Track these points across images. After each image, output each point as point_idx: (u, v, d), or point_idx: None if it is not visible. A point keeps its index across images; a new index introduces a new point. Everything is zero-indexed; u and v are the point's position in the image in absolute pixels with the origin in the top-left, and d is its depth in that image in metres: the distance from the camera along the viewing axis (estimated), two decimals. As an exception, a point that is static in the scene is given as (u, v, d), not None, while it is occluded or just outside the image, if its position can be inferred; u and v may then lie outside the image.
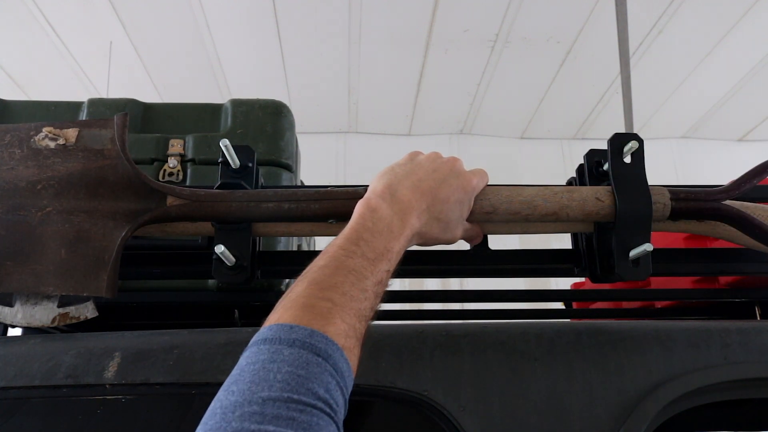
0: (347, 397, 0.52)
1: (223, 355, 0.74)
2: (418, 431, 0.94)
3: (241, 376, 0.49)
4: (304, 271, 0.60)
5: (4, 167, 0.79)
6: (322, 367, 0.50)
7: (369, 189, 0.72)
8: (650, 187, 0.78)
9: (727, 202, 0.79)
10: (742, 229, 0.80)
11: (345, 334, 0.54)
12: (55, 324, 0.77)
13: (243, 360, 0.52)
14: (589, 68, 4.38)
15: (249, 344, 0.53)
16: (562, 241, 0.91)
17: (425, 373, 0.73)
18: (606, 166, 0.80)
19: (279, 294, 0.60)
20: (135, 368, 0.73)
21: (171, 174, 1.13)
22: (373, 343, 0.74)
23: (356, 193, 0.77)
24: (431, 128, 5.19)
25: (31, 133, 0.81)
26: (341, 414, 0.50)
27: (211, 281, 1.05)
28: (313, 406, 0.47)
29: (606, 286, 1.33)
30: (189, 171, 1.14)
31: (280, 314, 0.54)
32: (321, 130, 5.08)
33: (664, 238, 1.18)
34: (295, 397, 0.47)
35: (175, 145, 1.15)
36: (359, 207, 0.69)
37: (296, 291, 0.57)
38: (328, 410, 0.48)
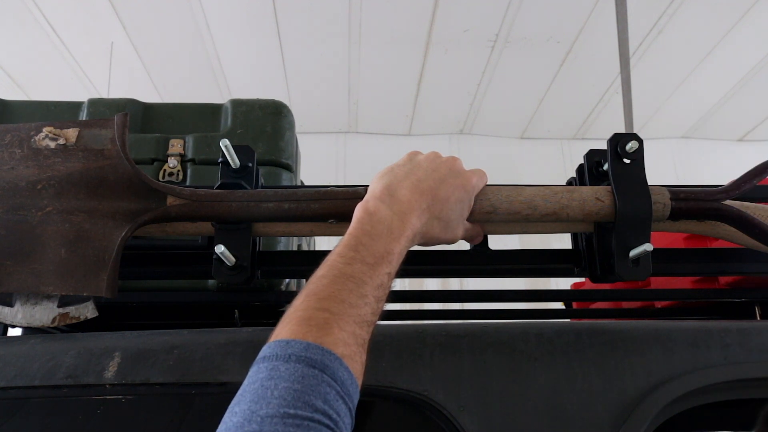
0: (352, 404, 0.52)
1: (223, 355, 0.74)
2: (418, 431, 0.94)
3: (243, 397, 0.50)
4: (306, 283, 0.61)
5: (4, 167, 0.79)
6: (319, 378, 0.50)
7: (368, 191, 0.72)
8: (650, 187, 0.78)
9: (727, 202, 0.79)
10: (742, 229, 0.80)
11: (344, 343, 0.54)
12: (55, 324, 0.77)
13: (245, 380, 0.52)
14: (589, 68, 4.38)
15: (252, 364, 0.54)
16: (562, 241, 0.91)
17: (425, 373, 0.72)
18: (606, 166, 0.80)
19: (279, 294, 0.60)
20: (135, 368, 0.73)
21: (171, 174, 1.13)
22: (373, 343, 0.74)
23: (356, 193, 0.76)
24: (431, 128, 5.18)
25: (31, 133, 0.81)
26: (346, 422, 0.51)
27: (211, 281, 1.05)
28: (311, 419, 0.47)
29: (606, 286, 1.33)
30: (189, 171, 1.14)
31: (279, 330, 0.55)
32: (321, 130, 5.07)
33: (664, 238, 1.18)
34: (292, 411, 0.47)
35: (175, 145, 1.15)
36: (357, 211, 0.68)
37: (295, 305, 0.58)
38: (326, 421, 0.48)
